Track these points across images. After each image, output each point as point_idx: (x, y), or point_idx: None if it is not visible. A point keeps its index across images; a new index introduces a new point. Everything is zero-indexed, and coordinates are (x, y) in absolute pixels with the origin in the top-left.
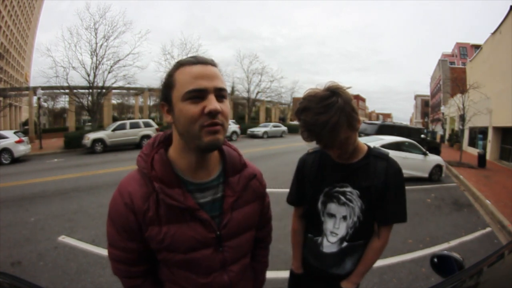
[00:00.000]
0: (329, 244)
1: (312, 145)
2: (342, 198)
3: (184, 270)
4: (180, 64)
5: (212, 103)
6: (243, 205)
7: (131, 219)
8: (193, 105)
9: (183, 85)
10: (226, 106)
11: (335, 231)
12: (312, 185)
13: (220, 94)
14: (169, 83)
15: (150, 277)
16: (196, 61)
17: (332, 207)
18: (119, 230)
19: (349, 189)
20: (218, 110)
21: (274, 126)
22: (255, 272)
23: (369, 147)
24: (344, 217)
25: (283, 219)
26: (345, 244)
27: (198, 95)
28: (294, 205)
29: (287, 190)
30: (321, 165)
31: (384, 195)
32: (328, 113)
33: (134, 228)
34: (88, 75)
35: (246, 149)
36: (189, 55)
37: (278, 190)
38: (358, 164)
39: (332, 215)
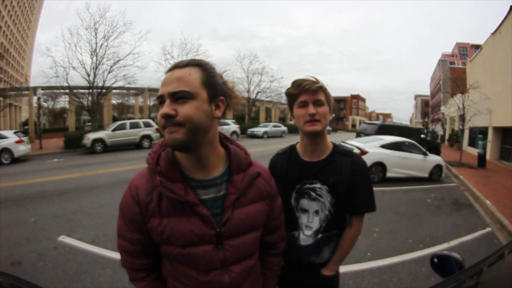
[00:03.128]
0: (305, 237)
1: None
2: (313, 193)
3: (184, 266)
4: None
5: (163, 108)
6: (247, 203)
7: (136, 211)
8: (160, 110)
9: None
10: (187, 107)
11: (309, 224)
12: (283, 184)
13: (177, 96)
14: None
15: (153, 272)
16: (170, 68)
17: (304, 202)
18: (126, 222)
19: (318, 185)
20: (166, 113)
21: (274, 126)
22: (265, 279)
23: (334, 144)
24: (316, 212)
25: None
26: (320, 235)
27: (161, 100)
28: None
29: None
30: (290, 163)
31: (351, 189)
32: (317, 80)
33: (139, 219)
34: (88, 75)
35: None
36: (189, 55)
37: None
38: (324, 161)
39: (305, 210)
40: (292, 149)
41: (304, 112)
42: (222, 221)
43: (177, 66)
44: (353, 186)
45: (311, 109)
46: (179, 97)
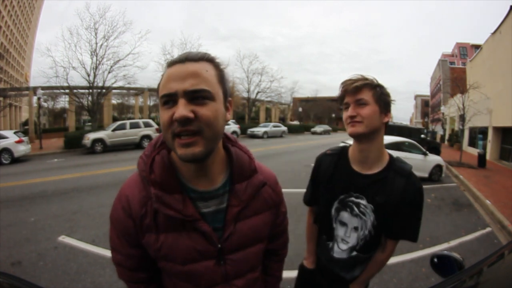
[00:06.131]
0: (340, 250)
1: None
2: (356, 209)
3: (185, 281)
4: (167, 65)
5: (179, 109)
6: (251, 215)
7: (129, 225)
8: (166, 111)
9: (160, 89)
10: (207, 109)
11: (346, 239)
12: (326, 190)
13: (196, 96)
14: (158, 87)
15: (153, 283)
16: (178, 59)
17: (345, 216)
18: (119, 236)
19: (364, 201)
20: (184, 116)
21: (274, 126)
22: (266, 286)
23: (391, 158)
24: (356, 228)
25: None
26: (354, 253)
27: (169, 99)
28: (308, 205)
29: (287, 190)
30: (338, 168)
31: (398, 212)
32: (366, 77)
33: (133, 233)
34: (88, 75)
35: None
36: None
37: None
38: (376, 176)
39: (344, 224)
40: (343, 152)
41: (346, 115)
42: (224, 236)
43: (189, 58)
44: (402, 209)
45: (350, 111)
46: (197, 97)
